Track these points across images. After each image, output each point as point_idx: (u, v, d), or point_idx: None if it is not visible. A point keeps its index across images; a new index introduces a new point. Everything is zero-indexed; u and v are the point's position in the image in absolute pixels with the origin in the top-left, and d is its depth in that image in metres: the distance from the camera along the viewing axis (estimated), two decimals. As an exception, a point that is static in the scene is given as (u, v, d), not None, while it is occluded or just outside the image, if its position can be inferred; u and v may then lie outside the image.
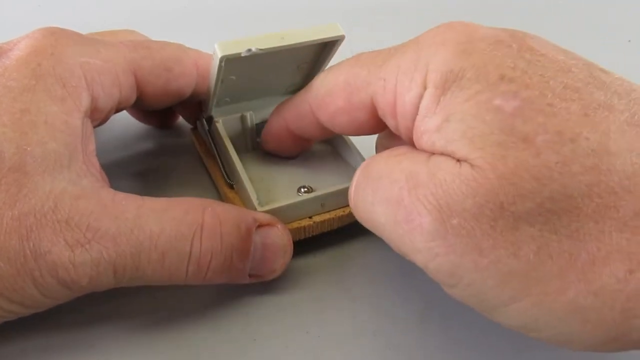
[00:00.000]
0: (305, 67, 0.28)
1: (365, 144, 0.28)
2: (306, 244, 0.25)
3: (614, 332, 0.16)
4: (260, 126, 0.29)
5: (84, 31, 0.25)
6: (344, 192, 0.25)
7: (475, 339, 0.22)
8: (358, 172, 0.21)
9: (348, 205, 0.25)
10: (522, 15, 0.50)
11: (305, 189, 0.26)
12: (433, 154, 0.18)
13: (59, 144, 0.21)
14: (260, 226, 0.23)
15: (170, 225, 0.21)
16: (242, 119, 0.28)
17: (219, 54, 0.23)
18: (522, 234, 0.16)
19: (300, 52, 0.26)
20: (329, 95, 0.22)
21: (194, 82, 0.27)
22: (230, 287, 0.24)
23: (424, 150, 0.19)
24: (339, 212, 0.25)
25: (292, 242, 0.24)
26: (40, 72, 0.21)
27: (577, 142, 0.16)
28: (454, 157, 0.17)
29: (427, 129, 0.18)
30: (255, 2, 0.52)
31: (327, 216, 0.25)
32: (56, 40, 0.22)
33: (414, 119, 0.19)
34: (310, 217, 0.25)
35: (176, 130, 0.35)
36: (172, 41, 0.28)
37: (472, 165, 0.17)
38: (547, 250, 0.16)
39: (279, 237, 0.23)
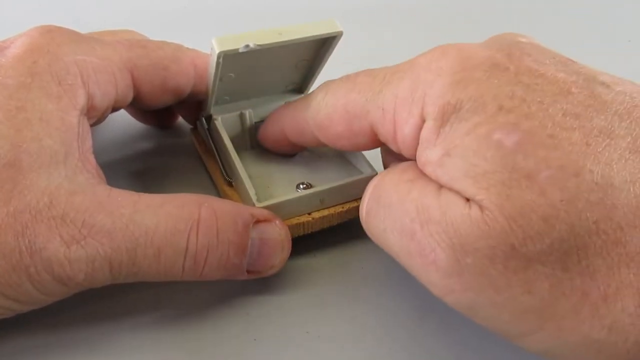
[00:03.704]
0: (304, 65, 0.28)
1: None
2: (306, 244, 0.25)
3: None
4: (259, 124, 0.29)
5: (84, 31, 0.25)
6: (343, 189, 0.25)
7: (476, 340, 0.22)
8: (368, 193, 0.21)
9: (347, 202, 0.25)
10: (522, 15, 0.50)
11: (304, 185, 0.26)
12: (442, 187, 0.18)
13: (55, 141, 0.21)
14: (257, 222, 0.23)
15: (166, 220, 0.20)
16: (241, 116, 0.28)
17: (217, 50, 0.23)
18: (535, 273, 0.16)
19: (299, 49, 0.26)
20: (329, 120, 0.23)
21: (192, 81, 0.27)
22: (231, 287, 0.24)
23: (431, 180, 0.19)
24: (338, 209, 0.25)
25: (290, 237, 0.23)
26: (36, 70, 0.21)
27: (581, 176, 0.16)
28: (462, 195, 0.17)
29: (428, 161, 0.19)
30: (255, 2, 0.52)
31: (326, 212, 0.25)
32: (52, 38, 0.23)
33: (415, 148, 0.19)
34: (309, 214, 0.25)
35: (176, 130, 0.35)
36: (171, 41, 0.28)
37: (480, 207, 0.17)
38: (560, 287, 0.16)
39: (277, 232, 0.23)
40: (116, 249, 0.20)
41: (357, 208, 0.25)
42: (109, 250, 0.20)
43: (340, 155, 0.29)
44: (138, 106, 0.27)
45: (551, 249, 0.16)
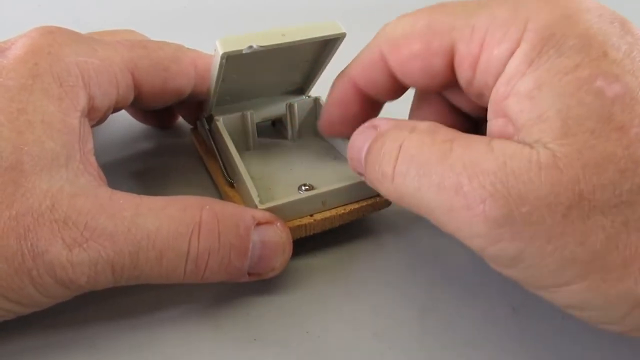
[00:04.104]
0: (305, 66, 0.28)
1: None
2: (306, 244, 0.25)
3: None
4: (260, 125, 0.29)
5: (84, 31, 0.25)
6: (345, 190, 0.25)
7: (476, 340, 0.22)
8: (395, 155, 0.20)
9: (349, 204, 0.25)
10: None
11: (306, 187, 0.26)
12: (492, 139, 0.18)
13: (56, 143, 0.21)
14: (259, 224, 0.22)
15: (168, 223, 0.20)
16: (243, 117, 0.28)
17: (220, 51, 0.23)
18: (594, 224, 0.16)
19: (301, 50, 0.26)
20: (405, 37, 0.21)
21: (193, 82, 0.27)
22: (231, 287, 0.24)
23: (497, 116, 0.19)
24: (340, 210, 0.25)
25: (291, 240, 0.23)
26: (38, 71, 0.21)
27: None
28: (525, 143, 0.17)
29: (515, 92, 0.18)
30: (255, 2, 0.52)
31: (328, 214, 0.25)
32: (53, 39, 0.22)
33: (497, 77, 0.19)
34: (311, 215, 0.25)
35: (176, 130, 0.35)
36: (172, 41, 0.28)
37: (554, 154, 0.16)
38: (615, 241, 0.16)
39: (278, 235, 0.23)
40: (118, 252, 0.20)
41: (358, 210, 0.25)
42: (112, 253, 0.20)
43: (340, 157, 0.29)
44: (138, 106, 0.27)
45: (619, 199, 0.16)
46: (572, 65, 0.17)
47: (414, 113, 0.26)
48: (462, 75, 0.20)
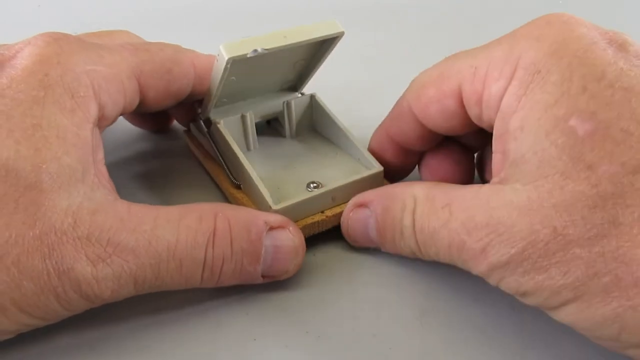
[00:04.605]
0: (301, 64, 0.28)
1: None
2: (306, 244, 0.25)
3: None
4: (258, 124, 0.29)
5: (84, 31, 0.25)
6: (353, 186, 0.26)
7: (476, 341, 0.22)
8: (415, 232, 0.22)
9: None
10: (521, 15, 0.50)
11: (315, 185, 0.26)
12: (482, 187, 0.20)
13: (73, 159, 0.21)
14: (271, 229, 0.23)
15: (187, 234, 0.21)
16: (243, 119, 0.28)
17: (226, 56, 0.23)
18: (572, 256, 0.17)
19: (300, 50, 0.26)
20: (424, 86, 0.24)
21: (192, 82, 0.27)
22: (231, 287, 0.24)
23: (496, 151, 0.21)
24: None
25: (304, 242, 0.24)
26: (49, 83, 0.21)
27: (637, 175, 0.17)
28: (510, 184, 0.19)
29: (506, 130, 0.20)
30: (255, 2, 0.52)
31: (338, 209, 0.26)
32: (60, 47, 0.22)
33: (497, 111, 0.20)
34: (322, 212, 0.25)
35: (169, 132, 0.35)
36: (170, 41, 0.28)
37: (529, 198, 0.18)
38: (593, 269, 0.17)
39: (290, 239, 0.23)
40: (140, 265, 0.20)
41: None
42: (134, 267, 0.20)
43: (341, 152, 0.29)
44: (141, 110, 0.27)
45: (591, 232, 0.17)
46: (552, 101, 0.18)
47: (428, 157, 0.28)
48: (472, 112, 0.22)
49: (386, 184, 0.21)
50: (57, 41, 0.22)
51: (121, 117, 0.33)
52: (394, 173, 0.28)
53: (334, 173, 0.28)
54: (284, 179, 0.27)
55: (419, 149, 0.27)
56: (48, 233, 0.19)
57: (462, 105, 0.22)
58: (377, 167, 0.26)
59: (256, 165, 0.28)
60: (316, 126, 0.31)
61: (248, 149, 0.29)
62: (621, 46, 0.19)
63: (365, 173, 0.26)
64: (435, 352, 0.22)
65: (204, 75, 0.27)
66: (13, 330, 0.20)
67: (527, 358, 0.22)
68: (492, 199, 0.19)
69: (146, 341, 0.22)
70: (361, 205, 0.24)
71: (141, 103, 0.26)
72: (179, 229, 0.21)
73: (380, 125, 0.27)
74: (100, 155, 0.23)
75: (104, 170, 0.23)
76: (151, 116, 0.33)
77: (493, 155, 0.21)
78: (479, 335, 0.22)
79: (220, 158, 0.28)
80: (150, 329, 0.23)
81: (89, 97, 0.22)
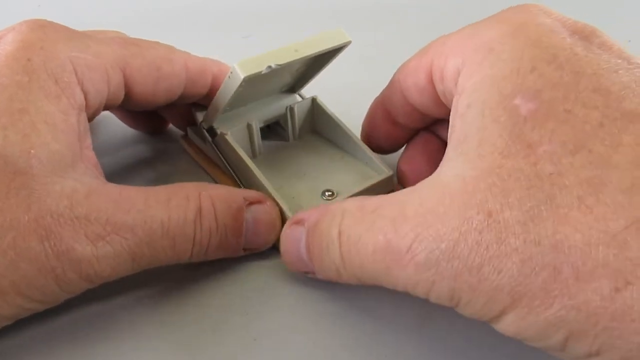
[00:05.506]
0: (303, 69, 0.28)
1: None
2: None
3: (595, 348, 0.15)
4: (262, 130, 0.29)
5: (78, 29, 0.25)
6: (367, 192, 0.25)
7: (475, 346, 0.22)
8: (333, 241, 0.20)
9: None
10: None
11: (330, 192, 0.26)
12: (423, 182, 0.19)
13: (61, 145, 0.21)
14: (250, 204, 0.24)
15: (177, 212, 0.22)
16: (249, 127, 0.28)
17: (242, 76, 0.23)
18: (507, 247, 0.16)
19: (306, 59, 0.26)
20: (408, 62, 0.24)
21: (183, 84, 0.27)
22: (231, 287, 0.24)
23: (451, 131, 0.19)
24: None
25: (280, 215, 0.25)
26: (32, 68, 0.21)
27: (577, 155, 0.16)
28: (451, 164, 0.18)
29: (456, 109, 0.19)
30: (255, 2, 0.52)
31: None
32: (45, 33, 0.22)
33: (455, 86, 0.20)
34: None
35: (165, 135, 0.34)
36: (170, 42, 0.28)
37: (464, 180, 0.17)
38: (530, 264, 0.15)
39: (268, 212, 0.24)
40: (138, 242, 0.21)
41: None
42: (132, 244, 0.20)
43: (349, 157, 0.29)
44: (129, 107, 0.27)
45: (527, 215, 0.15)
46: (500, 78, 0.18)
47: (408, 147, 0.28)
48: (438, 88, 0.22)
49: (399, 189, 0.21)
50: (42, 28, 0.23)
51: (116, 119, 0.33)
52: (384, 146, 0.28)
53: (345, 178, 0.27)
54: (297, 187, 0.27)
55: (408, 124, 0.26)
56: (44, 216, 0.19)
57: (431, 81, 0.22)
58: (387, 172, 0.26)
59: (266, 174, 0.28)
60: (318, 128, 0.31)
61: (254, 155, 0.29)
62: (586, 37, 0.19)
63: (377, 178, 0.26)
64: (434, 357, 0.22)
65: (196, 78, 0.27)
66: (11, 315, 0.20)
67: (527, 358, 0.22)
68: (426, 185, 0.18)
69: (145, 341, 0.22)
70: (297, 222, 0.23)
71: (128, 98, 0.26)
72: (170, 209, 0.22)
73: (376, 98, 0.28)
74: (88, 141, 0.23)
75: (91, 155, 0.23)
76: (145, 117, 0.32)
77: (448, 137, 0.20)
78: (478, 342, 0.22)
79: (229, 168, 0.28)
80: (149, 328, 0.23)
81: (73, 83, 0.22)
